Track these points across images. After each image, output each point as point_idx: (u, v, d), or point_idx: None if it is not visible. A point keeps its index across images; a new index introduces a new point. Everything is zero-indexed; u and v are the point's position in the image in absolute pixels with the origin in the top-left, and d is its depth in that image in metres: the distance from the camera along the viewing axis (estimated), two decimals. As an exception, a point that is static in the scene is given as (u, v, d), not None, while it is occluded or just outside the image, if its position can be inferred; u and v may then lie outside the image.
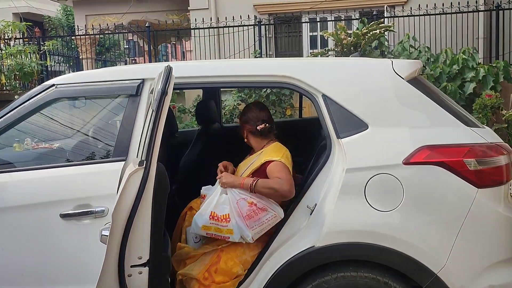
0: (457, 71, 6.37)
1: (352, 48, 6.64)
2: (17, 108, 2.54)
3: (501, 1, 7.78)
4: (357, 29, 6.88)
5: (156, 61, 10.45)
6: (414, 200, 2.10)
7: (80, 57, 11.58)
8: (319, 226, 2.15)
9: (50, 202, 2.34)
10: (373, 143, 2.18)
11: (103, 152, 2.64)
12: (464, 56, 6.34)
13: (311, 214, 2.19)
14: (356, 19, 8.53)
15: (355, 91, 2.29)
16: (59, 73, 10.64)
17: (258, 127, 2.58)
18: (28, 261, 2.40)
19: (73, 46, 12.68)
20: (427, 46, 7.08)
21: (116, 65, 14.67)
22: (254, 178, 2.38)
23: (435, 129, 2.20)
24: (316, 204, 2.19)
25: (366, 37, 6.58)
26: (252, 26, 8.35)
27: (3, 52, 7.42)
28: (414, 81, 2.33)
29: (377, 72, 2.36)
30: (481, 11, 8.09)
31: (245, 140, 2.68)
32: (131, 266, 1.60)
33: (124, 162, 2.32)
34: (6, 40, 7.79)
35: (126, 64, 15.86)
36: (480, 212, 2.08)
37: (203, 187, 2.60)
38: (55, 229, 2.32)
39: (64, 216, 2.30)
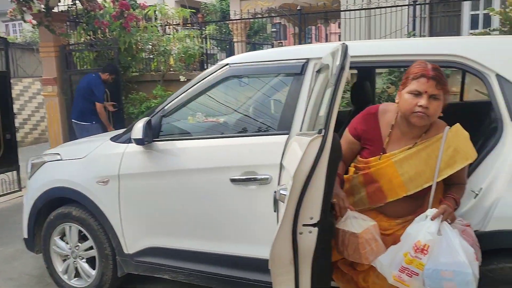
0: None
1: (522, 27, 5.94)
2: (196, 85, 2.89)
3: None
4: (530, 5, 6.11)
5: (302, 44, 10.66)
6: None
7: (233, 40, 12.38)
8: (485, 210, 2.07)
9: (222, 168, 2.66)
10: (554, 127, 2.01)
11: (268, 126, 2.88)
12: None
13: (475, 198, 2.12)
14: (529, -6, 7.56)
15: (534, 71, 2.12)
16: (214, 55, 11.52)
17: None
18: (201, 218, 2.76)
19: (225, 30, 13.59)
20: None
21: (263, 48, 15.30)
22: (455, 195, 2.02)
23: None
24: (481, 189, 2.11)
25: (542, 14, 5.82)
26: (406, 7, 7.99)
27: (170, 36, 8.29)
28: None
29: None
30: None
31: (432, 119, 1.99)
32: (303, 225, 1.77)
33: (287, 135, 2.52)
34: (174, 26, 8.71)
35: (272, 46, 16.46)
36: None
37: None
38: (226, 192, 2.63)
39: (233, 180, 2.59)
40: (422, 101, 1.93)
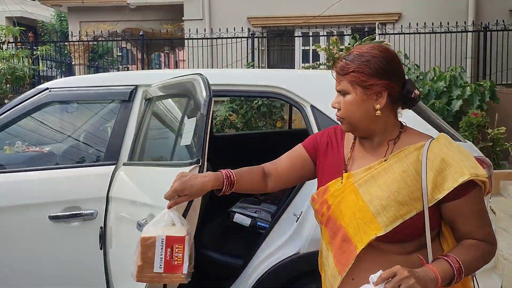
0: (444, 89, 6.53)
1: (343, 63, 6.75)
2: (10, 111, 2.56)
3: (489, 23, 7.99)
4: (349, 44, 7.00)
5: (149, 69, 10.50)
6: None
7: (73, 63, 11.61)
8: (305, 232, 2.19)
9: (39, 204, 2.36)
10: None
11: (94, 156, 2.68)
12: (452, 73, 6.50)
13: (297, 221, 2.24)
14: (348, 35, 8.66)
15: (342, 103, 2.36)
16: (51, 78, 10.63)
17: (414, 93, 1.35)
18: (16, 262, 2.41)
19: (66, 52, 12.71)
20: (416, 64, 7.23)
21: (108, 72, 14.68)
22: (452, 258, 1.24)
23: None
24: (302, 212, 2.23)
25: (357, 52, 6.70)
26: (246, 38, 8.46)
27: (-5, 55, 7.41)
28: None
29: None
30: (470, 31, 8.29)
31: (365, 114, 1.33)
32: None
33: (114, 166, 2.37)
34: (-2, 44, 7.81)
35: (118, 71, 15.89)
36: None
37: None
38: (44, 231, 2.34)
39: (53, 218, 2.33)
40: (332, 102, 1.39)
